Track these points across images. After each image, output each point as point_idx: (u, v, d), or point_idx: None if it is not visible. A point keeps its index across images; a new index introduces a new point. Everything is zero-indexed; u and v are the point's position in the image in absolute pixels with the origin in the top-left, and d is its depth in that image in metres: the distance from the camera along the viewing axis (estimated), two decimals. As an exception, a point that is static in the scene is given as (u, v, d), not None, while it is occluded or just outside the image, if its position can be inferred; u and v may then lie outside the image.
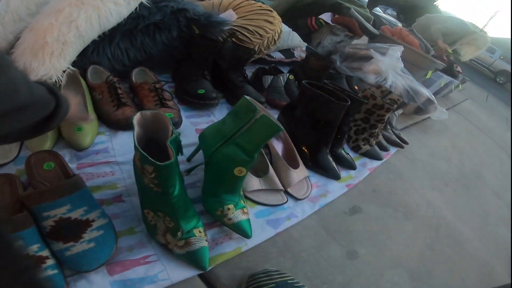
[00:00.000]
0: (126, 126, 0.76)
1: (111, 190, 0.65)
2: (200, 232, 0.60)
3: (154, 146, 0.59)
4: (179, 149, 0.56)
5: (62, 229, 0.50)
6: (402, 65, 1.60)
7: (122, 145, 0.74)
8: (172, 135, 0.55)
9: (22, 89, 0.36)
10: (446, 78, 2.46)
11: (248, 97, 0.65)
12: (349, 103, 0.87)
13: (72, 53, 0.74)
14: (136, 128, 0.55)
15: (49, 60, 0.68)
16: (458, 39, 3.08)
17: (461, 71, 2.96)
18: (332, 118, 0.89)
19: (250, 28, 1.15)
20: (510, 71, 11.80)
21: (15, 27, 0.73)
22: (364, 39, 2.10)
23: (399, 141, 1.42)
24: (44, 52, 0.68)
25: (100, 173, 0.67)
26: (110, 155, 0.71)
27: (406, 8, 5.14)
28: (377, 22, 3.05)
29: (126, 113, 0.77)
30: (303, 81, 0.91)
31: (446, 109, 2.24)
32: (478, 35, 3.11)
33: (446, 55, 2.85)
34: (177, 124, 0.84)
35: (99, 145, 0.72)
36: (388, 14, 4.84)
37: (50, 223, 0.49)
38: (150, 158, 0.47)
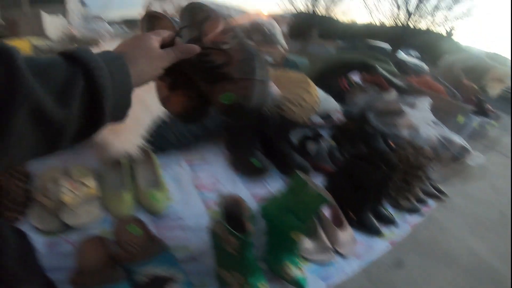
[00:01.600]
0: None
1: (184, 252, 0.79)
2: (263, 285, 0.73)
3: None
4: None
5: (152, 284, 0.65)
6: (432, 116, 1.69)
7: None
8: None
9: None
10: (478, 119, 2.49)
11: (300, 173, 0.81)
12: (384, 169, 1.01)
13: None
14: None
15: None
16: (482, 75, 3.07)
17: (492, 110, 2.95)
18: (369, 182, 1.03)
19: (292, 99, 1.29)
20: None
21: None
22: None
23: (437, 193, 1.45)
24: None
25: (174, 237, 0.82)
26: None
27: (425, 47, 5.20)
28: (403, 67, 3.15)
29: None
30: (346, 155, 1.06)
31: (484, 149, 2.23)
32: (497, 69, 3.08)
33: (474, 94, 2.85)
34: None
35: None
36: (412, 56, 4.96)
37: (142, 278, 0.65)
38: (237, 234, 0.64)
